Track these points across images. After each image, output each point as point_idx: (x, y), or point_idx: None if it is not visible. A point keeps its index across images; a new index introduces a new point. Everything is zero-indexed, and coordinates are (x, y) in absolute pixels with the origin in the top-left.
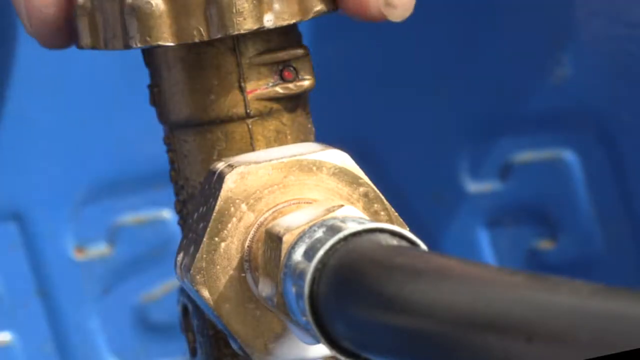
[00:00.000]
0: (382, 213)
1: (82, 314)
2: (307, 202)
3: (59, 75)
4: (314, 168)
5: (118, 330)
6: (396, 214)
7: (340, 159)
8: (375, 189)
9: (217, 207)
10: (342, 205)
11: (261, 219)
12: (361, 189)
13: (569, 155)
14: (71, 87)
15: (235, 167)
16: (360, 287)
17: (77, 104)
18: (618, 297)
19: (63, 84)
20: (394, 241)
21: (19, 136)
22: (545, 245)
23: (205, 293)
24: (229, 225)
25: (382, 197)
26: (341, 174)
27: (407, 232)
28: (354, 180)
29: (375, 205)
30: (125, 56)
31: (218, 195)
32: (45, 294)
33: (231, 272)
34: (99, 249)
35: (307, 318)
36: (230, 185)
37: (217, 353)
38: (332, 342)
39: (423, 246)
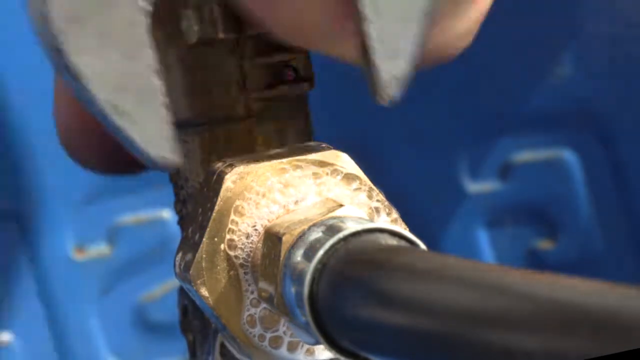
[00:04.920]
0: None
1: (81, 314)
2: (306, 203)
3: None
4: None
5: (117, 330)
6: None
7: (340, 159)
8: (375, 189)
9: (216, 208)
10: (341, 205)
11: (261, 219)
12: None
13: (568, 155)
14: None
15: (235, 167)
16: (359, 287)
17: None
18: (617, 293)
19: None
20: (394, 241)
21: (19, 136)
22: (545, 245)
23: (205, 293)
24: (229, 226)
25: None
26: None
27: (406, 232)
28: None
29: None
30: None
31: (217, 195)
32: (45, 294)
33: (231, 272)
34: (99, 249)
35: (307, 318)
36: (229, 185)
37: (217, 353)
38: (331, 343)
39: (422, 246)
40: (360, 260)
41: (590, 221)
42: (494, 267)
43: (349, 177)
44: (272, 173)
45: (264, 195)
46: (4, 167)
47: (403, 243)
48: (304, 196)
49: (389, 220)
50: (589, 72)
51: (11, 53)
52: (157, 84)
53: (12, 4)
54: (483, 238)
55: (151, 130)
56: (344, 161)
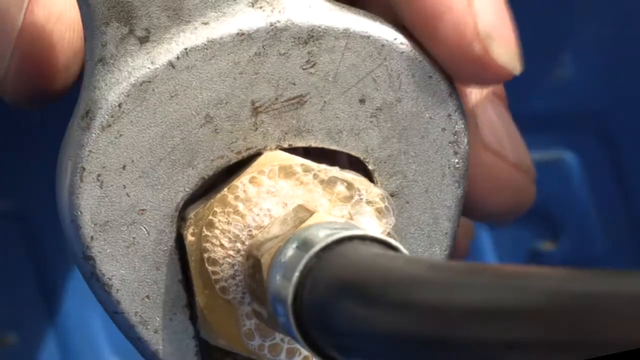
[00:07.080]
0: None
1: (83, 314)
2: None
3: None
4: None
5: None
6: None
7: (278, 155)
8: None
9: (192, 264)
10: (312, 212)
11: (240, 247)
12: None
13: (569, 156)
14: (71, 87)
15: (190, 216)
16: (338, 302)
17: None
18: (601, 280)
19: None
20: (367, 247)
21: (19, 136)
22: (546, 245)
23: (223, 343)
24: (212, 277)
25: None
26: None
27: (377, 234)
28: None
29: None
30: None
31: (186, 253)
32: (47, 294)
33: (232, 310)
34: None
35: (296, 335)
36: (190, 239)
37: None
38: (321, 354)
39: (395, 243)
40: (336, 277)
41: (591, 222)
42: (468, 264)
43: (286, 169)
44: (220, 206)
45: (223, 233)
46: (4, 167)
47: (376, 247)
48: (256, 207)
49: (349, 195)
50: (589, 73)
51: None
52: (183, 295)
53: None
54: (485, 239)
55: (175, 343)
56: (280, 156)
